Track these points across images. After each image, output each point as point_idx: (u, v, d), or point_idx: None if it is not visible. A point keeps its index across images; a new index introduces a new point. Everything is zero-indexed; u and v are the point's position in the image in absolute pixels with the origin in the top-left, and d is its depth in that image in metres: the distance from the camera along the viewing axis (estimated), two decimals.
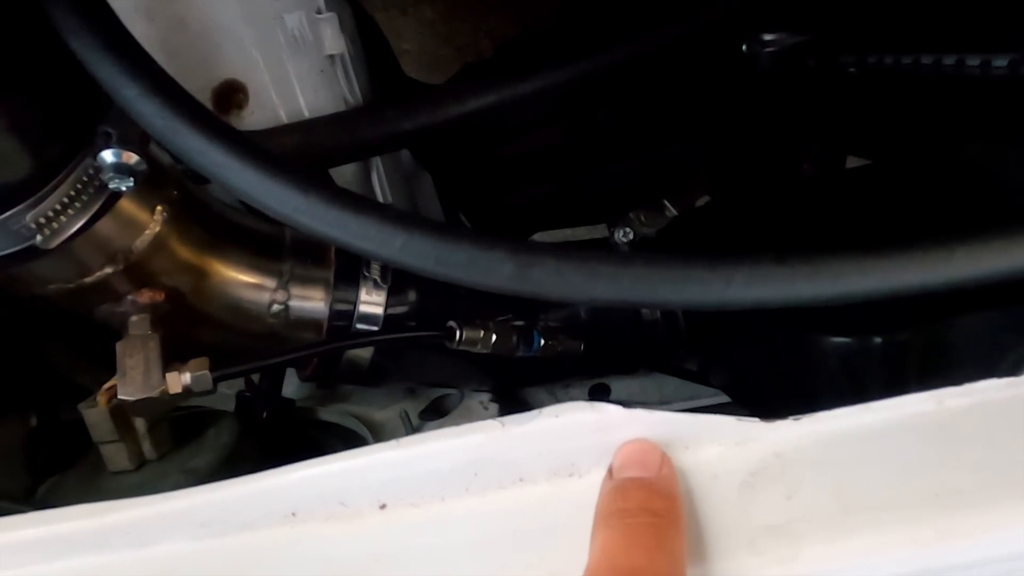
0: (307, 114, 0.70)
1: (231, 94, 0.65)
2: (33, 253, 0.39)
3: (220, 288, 0.55)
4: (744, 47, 0.82)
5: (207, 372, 0.47)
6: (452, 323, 0.57)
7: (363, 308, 0.59)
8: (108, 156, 0.38)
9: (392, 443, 0.36)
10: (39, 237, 0.38)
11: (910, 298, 0.34)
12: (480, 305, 0.61)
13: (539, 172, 0.89)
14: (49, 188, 0.38)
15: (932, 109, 0.68)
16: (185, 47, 0.62)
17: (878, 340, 0.45)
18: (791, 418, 0.34)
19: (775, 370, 0.57)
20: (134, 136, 0.39)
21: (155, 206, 0.46)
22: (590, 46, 0.73)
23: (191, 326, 0.54)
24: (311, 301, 0.59)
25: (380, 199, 0.76)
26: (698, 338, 0.68)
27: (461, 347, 0.57)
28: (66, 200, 0.39)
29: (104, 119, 0.39)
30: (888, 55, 0.68)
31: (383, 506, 0.36)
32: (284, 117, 0.69)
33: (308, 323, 0.59)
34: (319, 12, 0.67)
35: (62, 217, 0.39)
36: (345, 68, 0.72)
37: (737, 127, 0.89)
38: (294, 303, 0.58)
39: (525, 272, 0.33)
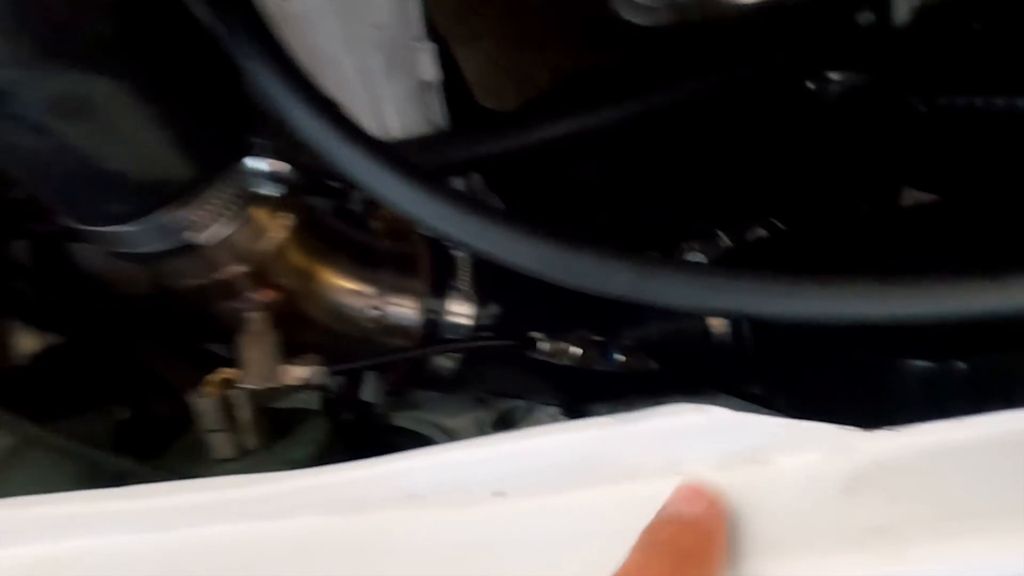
0: (398, 136, 0.75)
1: None
2: (187, 250, 0.43)
3: (326, 293, 0.59)
4: (809, 84, 0.85)
5: (323, 367, 0.51)
6: (536, 334, 0.60)
7: (451, 318, 0.63)
8: (263, 165, 0.42)
9: (511, 434, 0.38)
10: (194, 235, 0.43)
11: (992, 322, 0.36)
12: (559, 320, 0.64)
13: (602, 199, 0.92)
14: (208, 191, 0.42)
15: (1003, 148, 0.70)
16: None
17: (962, 365, 0.47)
18: (888, 428, 0.37)
19: (849, 393, 0.58)
20: (285, 148, 0.43)
21: (284, 214, 0.51)
22: (663, 80, 0.77)
23: (297, 327, 0.58)
24: (404, 309, 0.62)
25: None
26: (766, 360, 0.69)
27: (542, 358, 0.60)
28: (221, 203, 0.43)
29: (258, 131, 0.44)
30: (960, 96, 0.71)
31: (499, 494, 0.39)
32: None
33: (400, 330, 0.62)
34: (417, 41, 0.72)
35: (216, 218, 0.43)
36: (435, 94, 0.77)
37: (798, 161, 0.91)
38: (390, 310, 0.62)
39: (644, 281, 0.36)
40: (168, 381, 0.72)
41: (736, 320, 0.66)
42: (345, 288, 0.60)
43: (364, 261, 0.61)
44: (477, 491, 0.39)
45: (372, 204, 0.71)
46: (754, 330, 0.68)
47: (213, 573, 0.36)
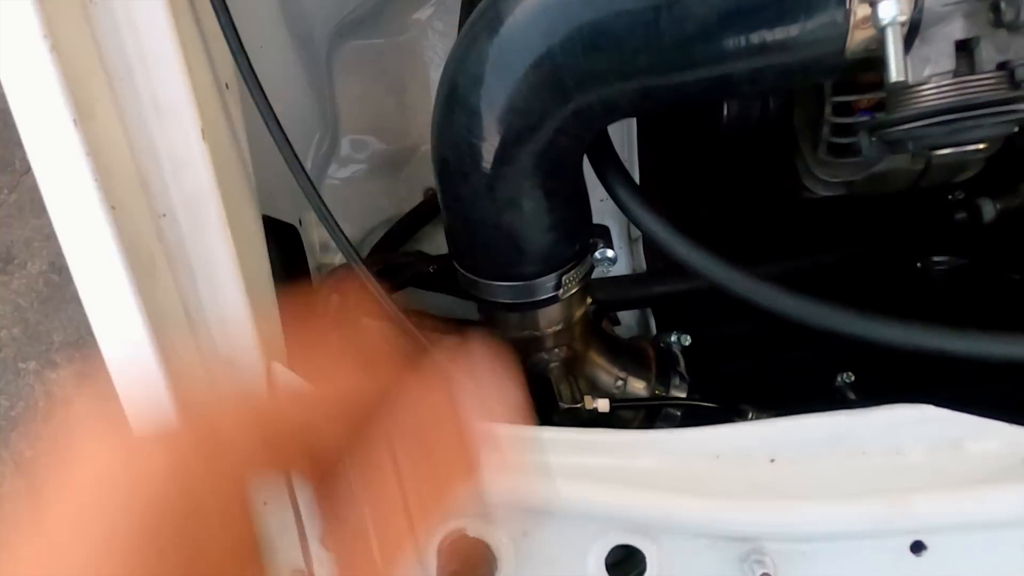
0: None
1: None
2: (552, 300, 0.69)
3: (587, 365, 0.82)
4: (918, 264, 1.11)
5: (608, 400, 0.73)
6: (746, 406, 0.80)
7: (672, 393, 0.84)
8: (607, 252, 0.69)
9: (784, 417, 0.59)
10: (560, 291, 0.68)
11: None
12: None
13: (746, 350, 1.15)
14: (572, 265, 0.69)
15: None
16: None
17: None
18: None
19: None
20: (609, 244, 0.71)
21: (587, 298, 0.76)
22: (814, 246, 1.03)
23: None
24: (638, 386, 0.84)
25: None
26: None
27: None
28: (577, 273, 0.69)
29: (593, 235, 0.71)
30: None
31: (773, 460, 0.58)
32: None
33: (632, 398, 0.84)
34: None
35: (572, 284, 0.69)
36: (637, 247, 1.06)
37: None
38: (628, 386, 0.84)
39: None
40: None
41: None
42: (599, 364, 0.83)
43: (611, 348, 0.85)
44: (756, 456, 0.58)
45: (599, 313, 0.96)
46: None
47: (591, 480, 0.56)
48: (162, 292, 0.52)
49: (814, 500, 0.54)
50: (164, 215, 0.52)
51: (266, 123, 0.57)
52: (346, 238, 0.61)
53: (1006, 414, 0.61)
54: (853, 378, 0.95)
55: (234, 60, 0.56)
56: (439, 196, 0.68)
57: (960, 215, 1.04)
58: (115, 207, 0.48)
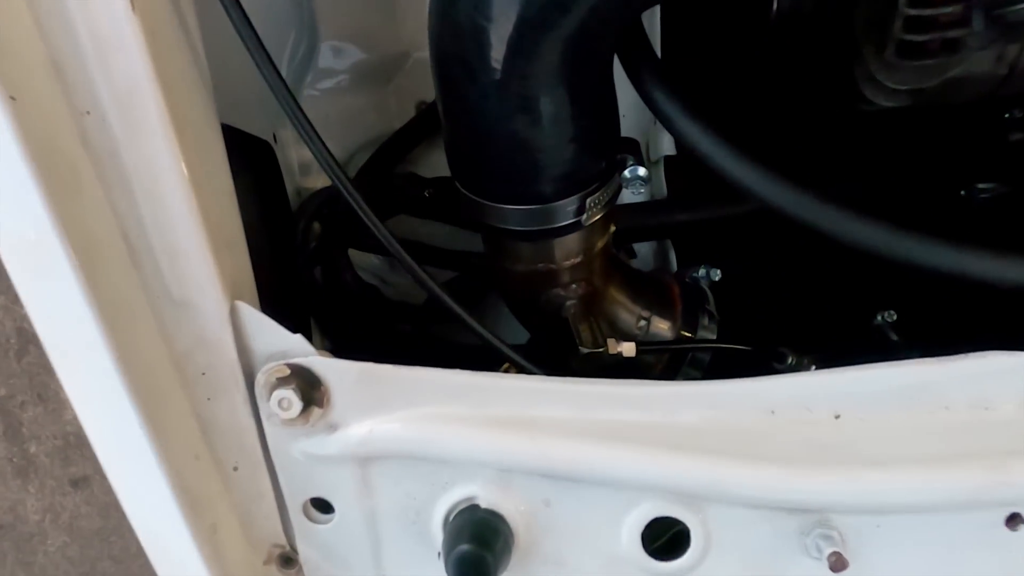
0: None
1: None
2: (573, 228, 0.58)
3: (607, 302, 0.73)
4: (962, 192, 1.00)
5: (634, 344, 0.63)
6: (784, 349, 0.71)
7: (701, 334, 0.75)
8: (638, 170, 0.58)
9: (851, 367, 0.50)
10: (584, 217, 0.58)
11: None
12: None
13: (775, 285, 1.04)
14: (597, 186, 0.58)
15: None
16: None
17: None
18: None
19: None
20: (640, 161, 0.59)
21: (610, 226, 0.66)
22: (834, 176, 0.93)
23: None
24: (662, 326, 0.75)
25: None
26: None
27: (784, 370, 0.71)
28: (603, 196, 0.58)
29: (621, 150, 0.60)
30: None
31: (838, 416, 0.49)
32: None
33: (659, 341, 0.75)
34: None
35: (597, 208, 0.58)
36: (657, 171, 0.95)
37: None
38: (652, 326, 0.74)
39: None
40: None
41: None
42: (620, 301, 0.73)
43: (633, 284, 0.75)
44: (820, 411, 0.49)
45: (617, 241, 0.86)
46: None
47: (624, 440, 0.47)
48: (91, 213, 0.41)
49: (892, 466, 0.46)
50: (88, 113, 0.41)
51: (226, 9, 0.44)
52: (331, 155, 0.49)
53: None
54: (895, 316, 0.85)
55: None
56: (439, 100, 0.56)
57: (1016, 136, 0.93)
58: (15, 97, 0.36)
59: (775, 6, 0.69)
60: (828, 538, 0.45)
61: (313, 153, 0.49)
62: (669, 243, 0.95)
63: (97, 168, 0.41)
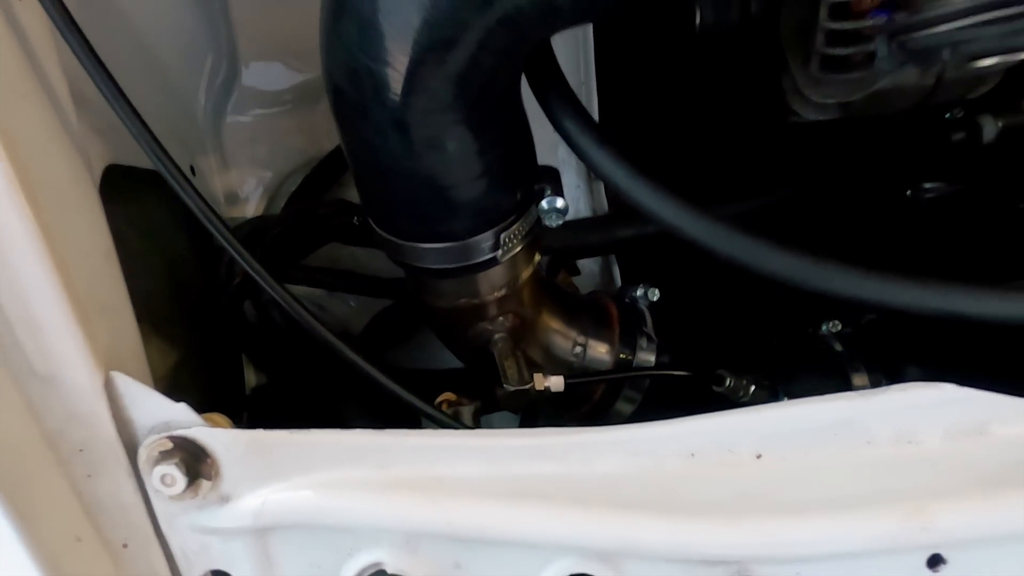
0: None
1: None
2: (490, 263, 0.56)
3: (540, 331, 0.70)
4: (908, 191, 0.99)
5: (562, 378, 0.61)
6: (723, 371, 0.69)
7: (639, 357, 0.73)
8: (556, 201, 0.56)
9: (772, 404, 0.48)
10: (499, 254, 0.55)
11: None
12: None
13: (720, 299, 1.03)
14: (512, 219, 0.55)
15: None
16: None
17: None
18: None
19: None
20: (559, 191, 0.57)
21: (535, 255, 0.63)
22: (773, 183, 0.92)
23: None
24: (600, 351, 0.73)
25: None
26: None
27: (724, 392, 0.69)
28: (520, 229, 0.56)
29: (539, 180, 0.57)
30: None
31: (759, 456, 0.47)
32: None
33: (597, 366, 0.72)
34: None
35: (515, 242, 0.56)
36: (594, 186, 0.93)
37: (897, 258, 1.04)
38: (588, 352, 0.72)
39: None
40: None
41: None
42: (555, 328, 0.71)
43: (568, 309, 0.73)
44: (741, 452, 0.47)
45: (555, 263, 0.84)
46: None
47: (536, 497, 0.44)
48: None
49: (811, 513, 0.44)
50: None
51: (66, 39, 0.41)
52: (200, 196, 0.46)
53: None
54: (840, 327, 0.84)
55: None
56: (341, 139, 0.53)
57: (957, 135, 0.92)
58: None
59: (699, 18, 0.67)
60: None
61: (185, 201, 0.45)
62: (613, 259, 0.93)
63: None
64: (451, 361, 0.87)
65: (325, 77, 0.49)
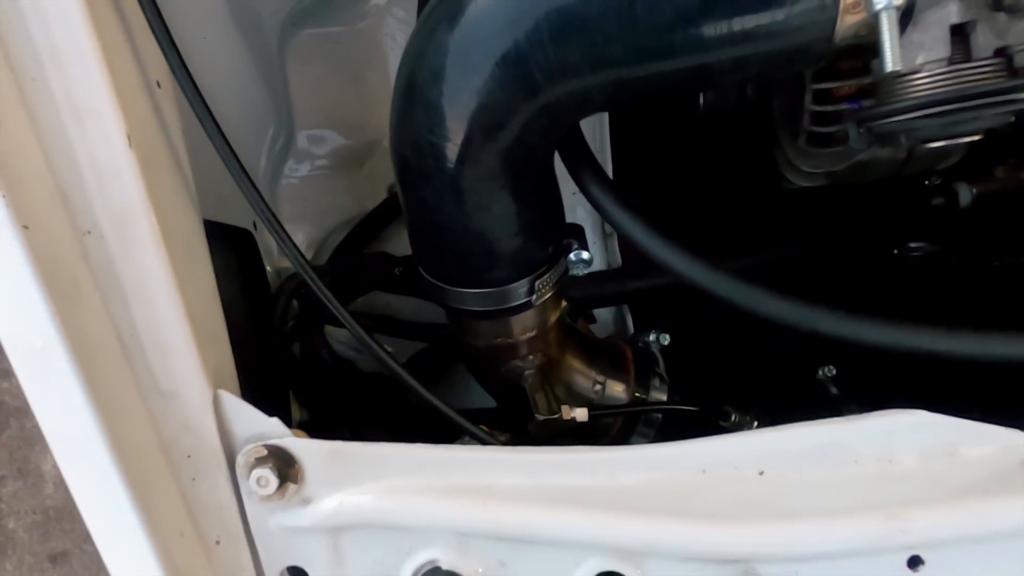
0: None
1: None
2: (524, 307, 0.65)
3: (563, 370, 0.79)
4: (894, 251, 1.09)
5: (586, 409, 0.69)
6: (728, 408, 0.77)
7: (652, 395, 0.81)
8: (583, 254, 0.65)
9: (772, 428, 0.55)
10: (534, 297, 0.64)
11: None
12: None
13: (725, 342, 1.12)
14: (545, 269, 0.64)
15: None
16: None
17: None
18: None
19: None
20: (584, 245, 0.66)
21: (562, 302, 0.72)
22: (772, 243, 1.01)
23: None
24: (617, 389, 0.81)
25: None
26: None
27: (728, 427, 0.77)
28: (551, 277, 0.65)
29: (567, 235, 0.67)
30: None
31: (762, 472, 0.55)
32: None
33: (614, 404, 0.80)
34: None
35: (546, 288, 0.65)
36: (612, 242, 1.02)
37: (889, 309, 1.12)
38: (607, 390, 0.80)
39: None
40: None
41: None
42: (577, 368, 0.80)
43: (588, 351, 0.82)
44: (746, 469, 0.55)
45: (574, 312, 0.92)
46: None
47: (570, 504, 0.52)
48: (90, 318, 0.47)
49: (806, 518, 0.52)
50: (89, 232, 0.47)
51: (202, 124, 0.51)
52: (293, 243, 0.55)
53: (993, 406, 0.59)
54: (834, 371, 0.92)
55: (164, 56, 0.50)
56: (401, 199, 0.63)
57: (937, 200, 1.02)
58: (28, 226, 0.43)
59: (702, 101, 0.78)
60: None
61: (278, 243, 0.55)
62: (626, 308, 1.02)
63: (96, 279, 0.47)
64: (479, 402, 0.95)
65: (393, 149, 0.59)
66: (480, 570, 0.52)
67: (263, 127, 0.94)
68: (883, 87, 0.50)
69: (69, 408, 0.44)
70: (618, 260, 1.03)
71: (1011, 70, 0.45)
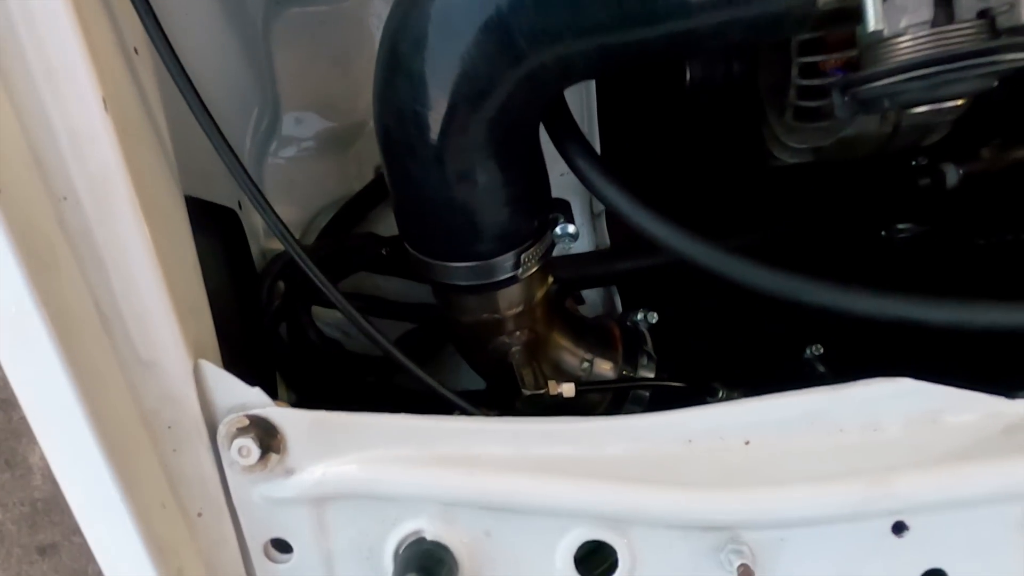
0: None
1: None
2: (510, 281, 0.64)
3: (550, 347, 0.78)
4: (882, 232, 1.09)
5: (573, 384, 0.69)
6: (716, 384, 0.77)
7: (640, 373, 0.81)
8: (568, 228, 0.65)
9: (758, 397, 0.55)
10: (520, 271, 0.64)
11: None
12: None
13: (713, 324, 1.12)
14: (531, 243, 0.64)
15: None
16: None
17: None
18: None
19: None
20: (570, 219, 0.66)
21: (548, 277, 0.72)
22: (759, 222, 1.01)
23: None
24: (605, 367, 0.81)
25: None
26: None
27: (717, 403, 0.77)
28: (537, 251, 0.64)
29: (553, 209, 0.67)
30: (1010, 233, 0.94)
31: (747, 442, 0.55)
32: None
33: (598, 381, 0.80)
34: None
35: (532, 262, 0.64)
36: (600, 223, 1.02)
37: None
38: (594, 367, 0.80)
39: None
40: None
41: None
42: (564, 346, 0.79)
43: (576, 330, 0.81)
44: (731, 439, 0.55)
45: (562, 293, 0.92)
46: None
47: (556, 473, 0.52)
48: (67, 287, 0.46)
49: (791, 485, 0.52)
50: (65, 198, 0.46)
51: (182, 93, 0.50)
52: (281, 222, 0.55)
53: (978, 381, 0.59)
54: (822, 350, 0.92)
55: (140, 19, 0.49)
56: (385, 172, 0.62)
57: (924, 181, 1.02)
58: (0, 190, 0.42)
59: (688, 76, 0.78)
60: (738, 552, 0.50)
61: (265, 221, 0.54)
62: (614, 288, 1.02)
63: (72, 246, 0.46)
64: (467, 384, 0.95)
65: (376, 120, 0.59)
66: (466, 540, 0.52)
67: (248, 107, 0.93)
68: (867, 53, 0.49)
69: (46, 377, 0.43)
70: (606, 241, 1.02)
71: (994, 31, 0.44)
